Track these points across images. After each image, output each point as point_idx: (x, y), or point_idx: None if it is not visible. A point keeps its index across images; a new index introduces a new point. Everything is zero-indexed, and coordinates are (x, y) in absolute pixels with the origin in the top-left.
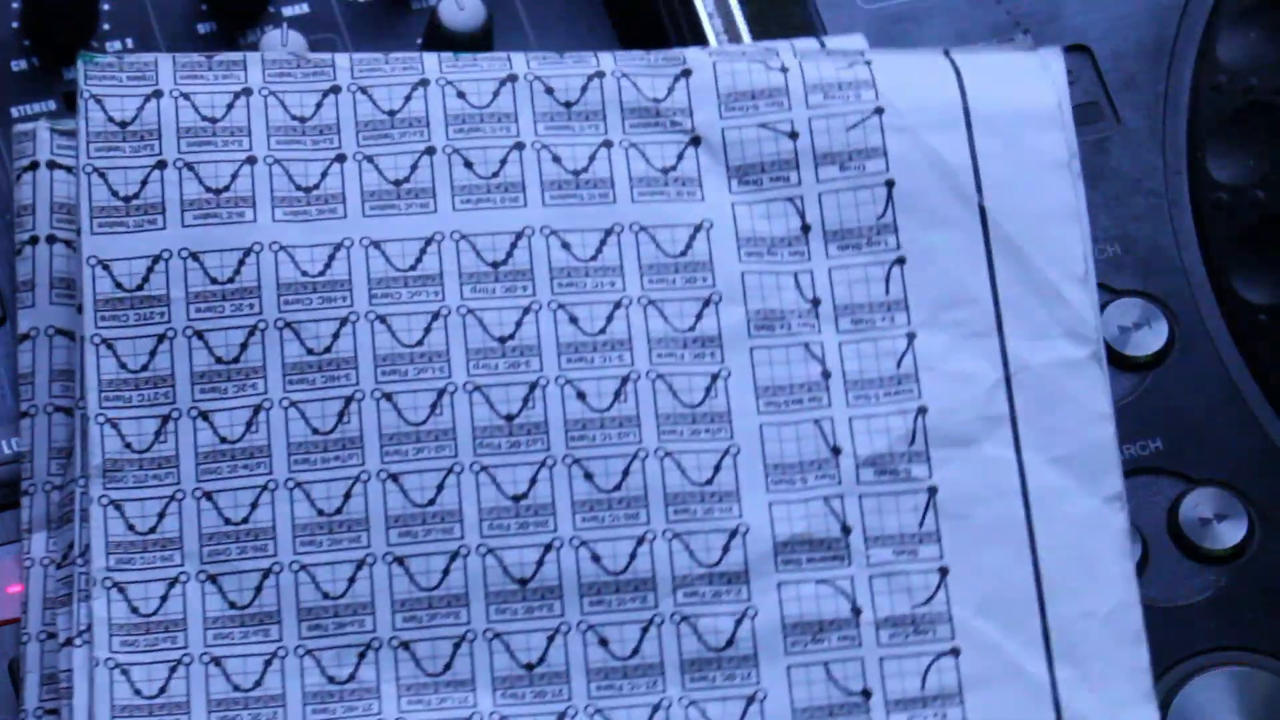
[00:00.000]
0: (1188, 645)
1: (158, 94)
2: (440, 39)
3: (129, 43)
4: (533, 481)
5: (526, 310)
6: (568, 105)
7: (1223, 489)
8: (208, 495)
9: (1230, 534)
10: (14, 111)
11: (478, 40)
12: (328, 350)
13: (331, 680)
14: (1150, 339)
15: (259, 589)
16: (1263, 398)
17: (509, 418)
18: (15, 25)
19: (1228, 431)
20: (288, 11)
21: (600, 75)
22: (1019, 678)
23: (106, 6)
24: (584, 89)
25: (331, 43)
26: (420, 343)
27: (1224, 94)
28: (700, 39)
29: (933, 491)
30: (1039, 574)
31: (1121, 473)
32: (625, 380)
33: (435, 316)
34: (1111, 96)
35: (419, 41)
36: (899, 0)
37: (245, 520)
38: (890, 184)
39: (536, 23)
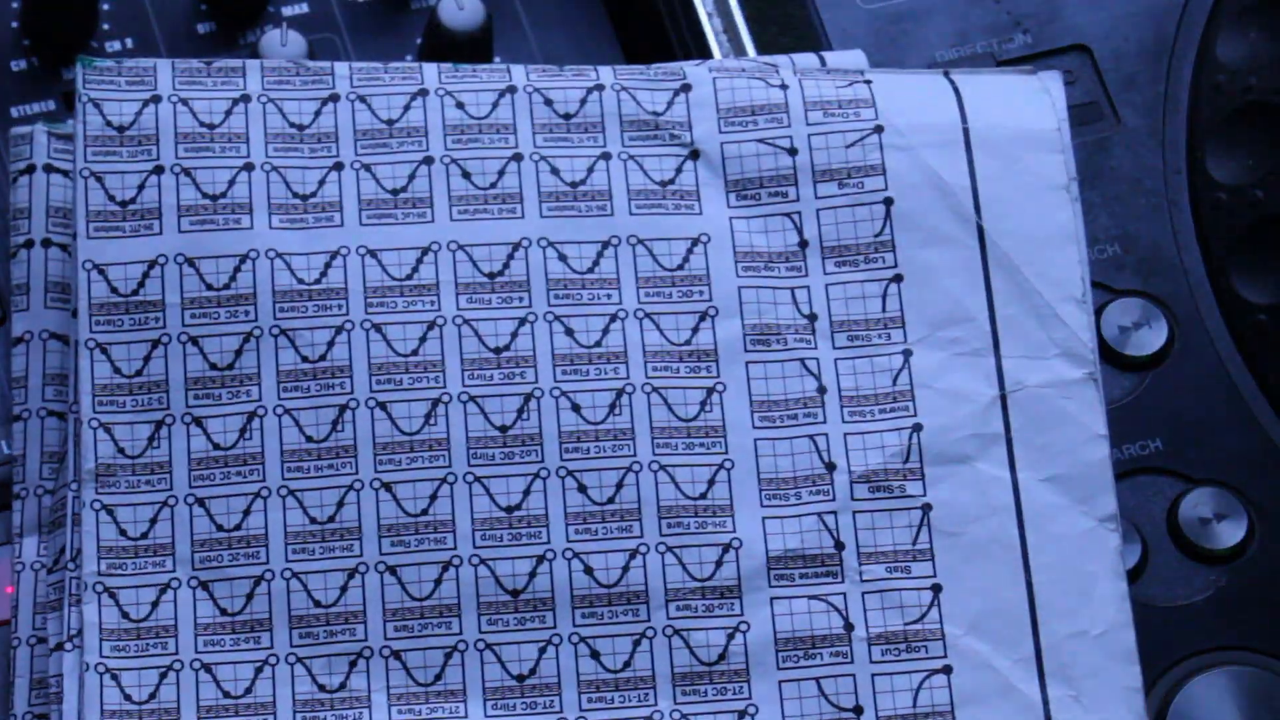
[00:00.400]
0: (1188, 645)
1: (156, 99)
2: (440, 39)
3: (128, 43)
4: (526, 493)
5: (522, 321)
6: (567, 117)
7: (1223, 489)
8: (200, 502)
9: (1230, 534)
10: (14, 112)
11: (477, 40)
12: (322, 358)
13: (322, 688)
14: (1150, 339)
15: (250, 596)
16: (1263, 398)
17: (503, 429)
18: (15, 25)
19: (1228, 431)
20: (288, 11)
21: (600, 88)
22: (1011, 696)
23: (106, 6)
24: (583, 101)
25: (331, 42)
26: (415, 352)
27: (1224, 94)
28: (700, 39)
29: (926, 509)
30: (1032, 593)
31: (1115, 494)
32: (620, 393)
33: (431, 326)
34: (1111, 96)
35: (418, 41)
36: (899, 0)
37: (238, 527)
38: (889, 202)
39: (536, 23)
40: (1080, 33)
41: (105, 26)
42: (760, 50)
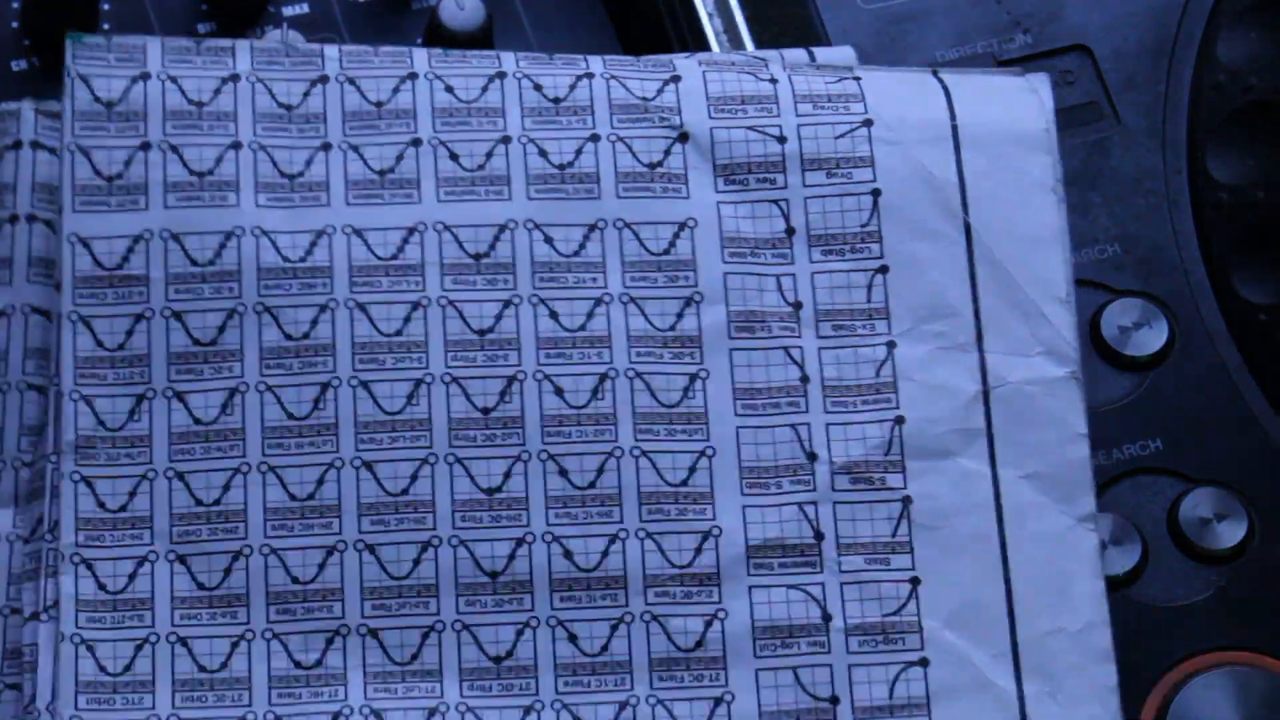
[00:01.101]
0: (1188, 645)
1: (145, 76)
2: (440, 39)
3: None
4: (507, 475)
5: (507, 304)
6: (556, 101)
7: (1223, 489)
8: (179, 475)
9: (1230, 534)
10: None
11: (478, 40)
12: (306, 336)
13: (298, 665)
14: (1150, 339)
15: (228, 571)
16: (1263, 398)
17: (485, 411)
18: (15, 25)
19: (1228, 431)
20: (288, 11)
21: (589, 76)
22: (987, 690)
23: (106, 6)
24: (572, 87)
25: (331, 43)
26: (399, 332)
27: (1224, 94)
28: (700, 39)
29: (907, 502)
30: (1010, 589)
31: (1095, 493)
32: (603, 378)
33: (415, 306)
34: (1111, 96)
35: (419, 41)
36: (899, 0)
37: (217, 502)
38: (876, 193)
39: (536, 23)
40: (1080, 33)
41: (105, 26)
42: (760, 49)
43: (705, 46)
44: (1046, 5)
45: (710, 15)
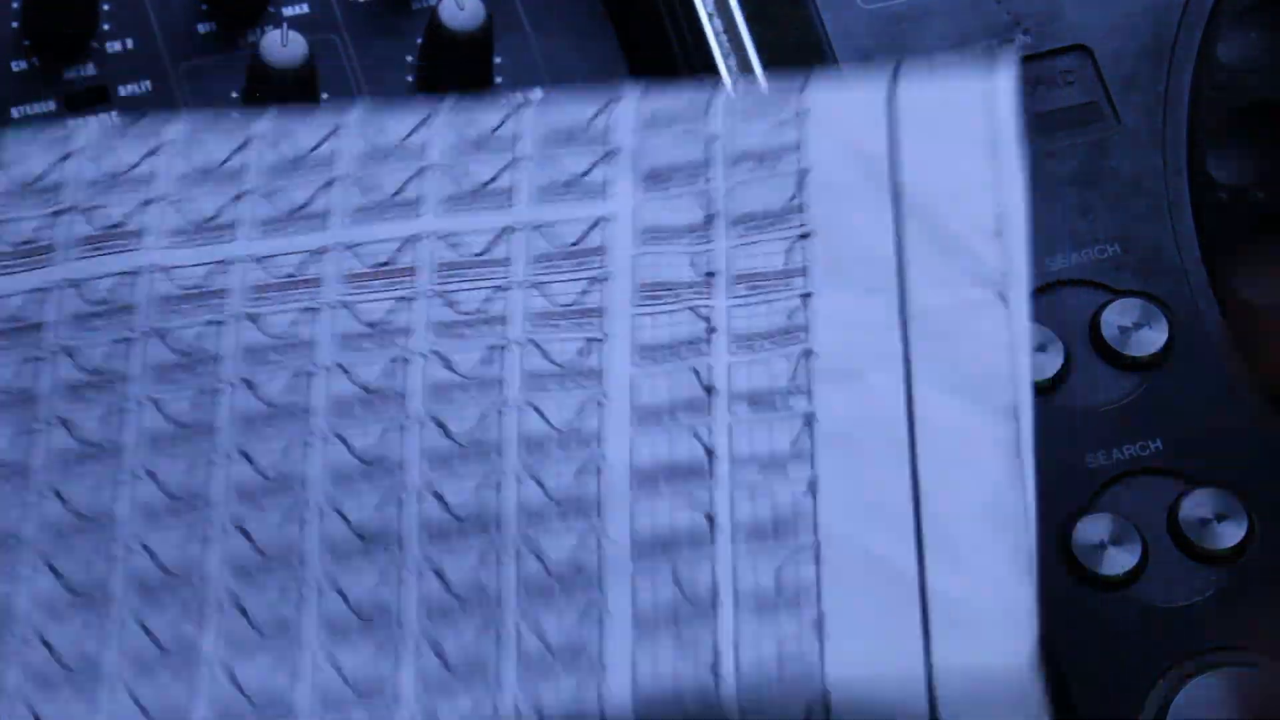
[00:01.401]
0: (1188, 645)
1: (69, 155)
2: (440, 39)
3: (129, 43)
4: (385, 440)
5: (403, 299)
6: (492, 131)
7: (1223, 489)
8: (58, 495)
9: (1230, 534)
10: (14, 112)
11: (478, 40)
12: (194, 350)
13: (161, 649)
14: (1150, 339)
15: (96, 569)
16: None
17: (367, 389)
18: (15, 25)
19: (1228, 431)
20: (288, 11)
21: (526, 104)
22: (883, 568)
23: (106, 7)
24: (505, 118)
25: (331, 43)
26: (288, 334)
27: (1224, 94)
28: (700, 39)
29: (809, 417)
30: (917, 482)
31: (1025, 389)
32: (496, 349)
33: (307, 311)
34: (1111, 96)
35: (419, 42)
36: (899, 0)
37: (95, 514)
38: (804, 172)
39: (536, 23)
40: (1080, 33)
41: (105, 27)
42: (760, 49)
43: (706, 46)
44: (1046, 5)
45: (710, 15)
